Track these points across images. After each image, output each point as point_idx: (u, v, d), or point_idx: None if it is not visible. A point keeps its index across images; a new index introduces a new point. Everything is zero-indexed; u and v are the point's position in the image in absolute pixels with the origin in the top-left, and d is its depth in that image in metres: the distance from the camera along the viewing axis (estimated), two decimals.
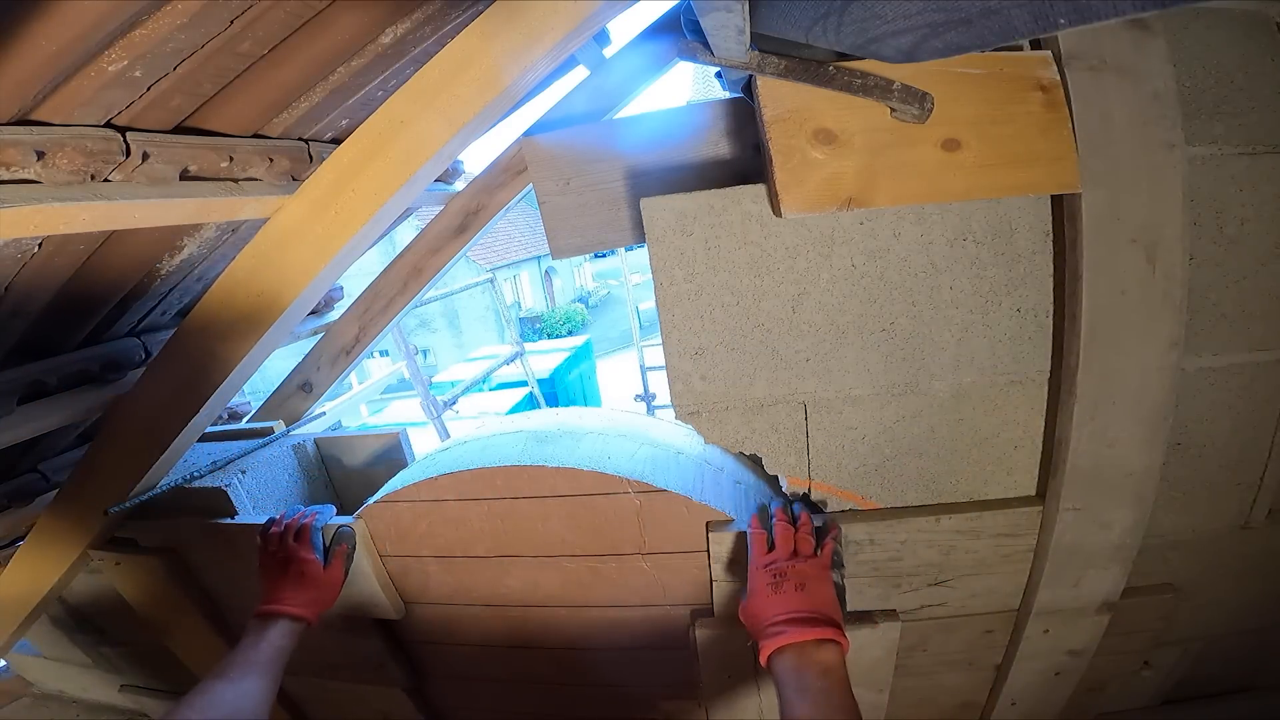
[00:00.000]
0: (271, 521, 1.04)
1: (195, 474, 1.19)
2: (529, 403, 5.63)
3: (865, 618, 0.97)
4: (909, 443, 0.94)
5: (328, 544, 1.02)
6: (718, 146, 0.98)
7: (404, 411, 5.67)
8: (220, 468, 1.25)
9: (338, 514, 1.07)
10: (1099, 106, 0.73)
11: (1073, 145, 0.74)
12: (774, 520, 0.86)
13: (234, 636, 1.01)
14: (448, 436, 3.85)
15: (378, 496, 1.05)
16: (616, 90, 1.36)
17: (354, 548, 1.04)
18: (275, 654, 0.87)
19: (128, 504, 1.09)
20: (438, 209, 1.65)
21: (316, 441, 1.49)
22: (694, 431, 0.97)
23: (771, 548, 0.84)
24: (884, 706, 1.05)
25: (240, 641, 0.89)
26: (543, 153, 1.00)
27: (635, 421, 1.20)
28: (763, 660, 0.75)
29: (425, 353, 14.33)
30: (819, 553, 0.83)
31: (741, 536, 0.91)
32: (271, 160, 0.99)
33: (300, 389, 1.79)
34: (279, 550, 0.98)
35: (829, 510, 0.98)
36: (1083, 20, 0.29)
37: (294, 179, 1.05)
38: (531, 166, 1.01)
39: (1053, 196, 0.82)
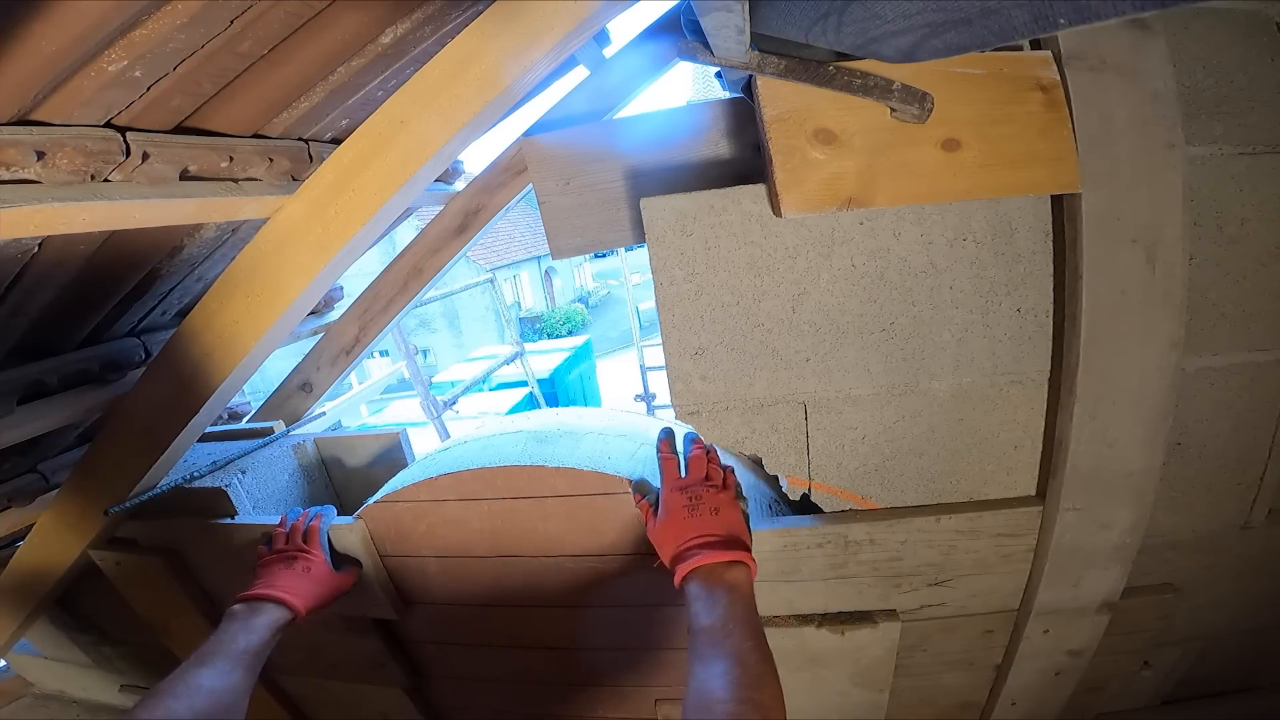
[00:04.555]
0: (272, 536, 1.03)
1: (195, 474, 1.19)
2: (529, 403, 5.63)
3: (865, 618, 0.97)
4: (909, 443, 0.94)
5: (334, 547, 1.02)
6: (718, 146, 0.98)
7: (404, 411, 5.67)
8: (220, 468, 1.25)
9: (338, 514, 1.07)
10: (1099, 106, 0.73)
11: (1073, 145, 0.74)
12: (690, 447, 0.88)
13: None
14: (448, 436, 3.85)
15: (378, 497, 1.05)
16: (616, 90, 1.36)
17: (361, 576, 1.05)
18: (261, 648, 0.82)
19: (128, 504, 1.08)
20: (438, 209, 1.65)
21: (316, 441, 1.48)
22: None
23: (684, 475, 0.86)
24: (884, 706, 1.05)
25: (223, 627, 0.83)
26: (543, 153, 1.00)
27: (635, 421, 1.20)
28: (676, 581, 0.77)
29: (425, 353, 14.32)
30: (725, 483, 0.85)
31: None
32: (271, 160, 0.99)
33: (300, 389, 1.79)
34: (285, 549, 0.98)
35: (828, 510, 0.98)
36: (1083, 20, 0.29)
37: (294, 179, 1.05)
38: (531, 166, 1.01)
39: (1053, 196, 0.82)
